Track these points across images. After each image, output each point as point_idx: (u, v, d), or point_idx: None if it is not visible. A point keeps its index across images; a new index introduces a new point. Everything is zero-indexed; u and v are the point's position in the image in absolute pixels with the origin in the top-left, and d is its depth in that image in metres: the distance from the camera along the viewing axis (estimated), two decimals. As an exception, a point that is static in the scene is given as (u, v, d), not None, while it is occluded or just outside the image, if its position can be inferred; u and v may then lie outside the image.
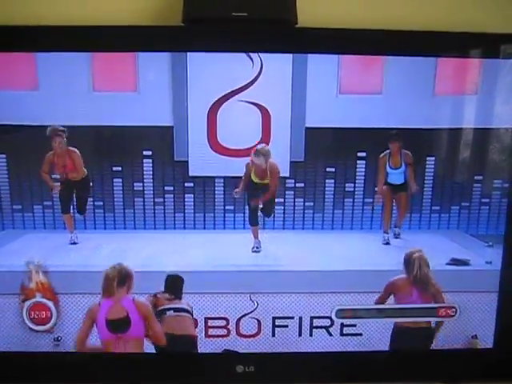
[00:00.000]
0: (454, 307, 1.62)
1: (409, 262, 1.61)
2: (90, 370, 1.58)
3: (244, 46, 1.43)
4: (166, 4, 1.45)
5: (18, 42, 1.40)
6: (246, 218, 1.68)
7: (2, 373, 1.57)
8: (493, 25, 1.45)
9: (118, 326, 1.55)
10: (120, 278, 1.54)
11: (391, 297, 1.64)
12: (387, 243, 1.72)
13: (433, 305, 1.62)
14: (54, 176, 1.62)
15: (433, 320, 1.64)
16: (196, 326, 1.62)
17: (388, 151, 1.64)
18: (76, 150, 1.57)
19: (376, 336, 1.65)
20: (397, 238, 1.72)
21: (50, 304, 1.58)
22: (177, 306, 1.61)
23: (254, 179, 1.65)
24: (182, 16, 1.35)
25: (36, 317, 1.59)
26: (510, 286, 1.62)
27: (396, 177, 1.69)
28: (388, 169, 1.67)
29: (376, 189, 1.67)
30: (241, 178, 1.63)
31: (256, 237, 1.69)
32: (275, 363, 1.58)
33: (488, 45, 1.48)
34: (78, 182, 1.63)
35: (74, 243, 1.68)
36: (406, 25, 1.40)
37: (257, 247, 1.69)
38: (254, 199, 1.66)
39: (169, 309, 1.60)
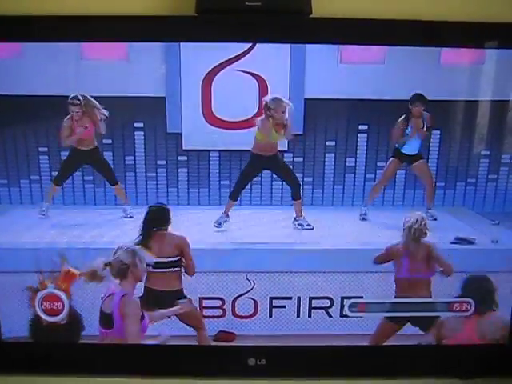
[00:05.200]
0: (468, 302, 1.57)
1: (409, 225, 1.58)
2: (97, 361, 1.57)
3: (256, 35, 1.42)
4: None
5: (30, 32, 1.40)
6: (242, 194, 1.66)
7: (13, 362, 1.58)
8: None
9: (105, 321, 1.47)
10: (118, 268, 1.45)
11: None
12: (363, 219, 1.70)
13: (446, 299, 1.58)
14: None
15: (445, 315, 1.60)
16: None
17: (405, 116, 1.59)
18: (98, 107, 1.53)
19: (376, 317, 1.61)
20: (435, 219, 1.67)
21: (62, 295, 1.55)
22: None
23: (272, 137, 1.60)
24: (195, 6, 1.34)
25: (48, 307, 1.55)
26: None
27: (412, 144, 1.64)
28: (409, 132, 1.63)
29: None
30: (237, 151, 1.60)
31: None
32: (287, 356, 1.57)
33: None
34: (87, 151, 1.61)
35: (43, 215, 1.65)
36: (417, 16, 1.38)
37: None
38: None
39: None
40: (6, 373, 1.55)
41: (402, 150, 1.66)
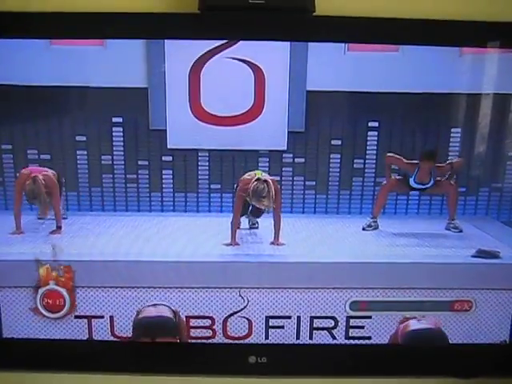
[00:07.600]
0: (470, 301, 1.53)
1: None
2: (96, 359, 1.56)
3: (259, 33, 1.39)
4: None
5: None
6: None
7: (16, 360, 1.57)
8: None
9: None
10: None
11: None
12: (363, 229, 1.66)
13: (448, 298, 1.52)
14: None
15: (447, 314, 1.55)
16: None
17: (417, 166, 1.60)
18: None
19: (387, 340, 1.53)
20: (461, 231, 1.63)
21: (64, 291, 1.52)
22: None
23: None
24: (198, 3, 1.35)
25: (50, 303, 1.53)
26: None
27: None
28: (412, 182, 1.62)
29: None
30: (229, 150, 1.54)
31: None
32: (288, 354, 1.56)
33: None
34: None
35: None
36: (424, 14, 1.37)
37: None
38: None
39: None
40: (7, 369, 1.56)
41: (410, 183, 1.65)
